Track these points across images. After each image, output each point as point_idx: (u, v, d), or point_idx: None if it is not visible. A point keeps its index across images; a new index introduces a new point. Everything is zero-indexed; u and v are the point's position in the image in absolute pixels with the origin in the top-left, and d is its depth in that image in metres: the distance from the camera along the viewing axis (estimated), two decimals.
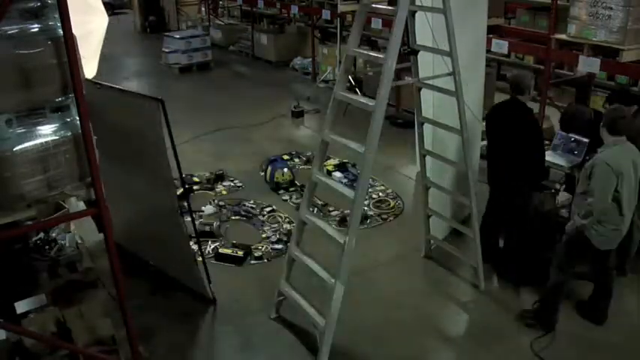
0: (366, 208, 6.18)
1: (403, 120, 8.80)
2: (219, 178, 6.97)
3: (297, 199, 6.41)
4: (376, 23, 8.85)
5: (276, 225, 5.97)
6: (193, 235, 4.69)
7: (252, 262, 5.35)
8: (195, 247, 4.82)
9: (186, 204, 4.63)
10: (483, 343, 4.40)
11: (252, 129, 8.77)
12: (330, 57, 11.10)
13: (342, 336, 4.10)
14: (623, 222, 4.11)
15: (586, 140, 5.28)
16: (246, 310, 4.67)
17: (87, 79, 3.82)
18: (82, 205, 3.52)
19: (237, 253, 5.34)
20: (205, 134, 8.48)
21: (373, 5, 4.06)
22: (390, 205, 6.42)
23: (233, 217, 6.16)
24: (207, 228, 5.70)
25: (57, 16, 2.77)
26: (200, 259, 4.78)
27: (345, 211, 5.97)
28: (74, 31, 2.80)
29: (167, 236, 4.63)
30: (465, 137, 4.48)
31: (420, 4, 4.28)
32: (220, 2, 16.97)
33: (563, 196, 5.31)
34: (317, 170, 4.21)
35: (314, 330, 4.12)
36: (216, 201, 6.45)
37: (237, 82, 11.77)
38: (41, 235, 4.85)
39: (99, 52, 4.39)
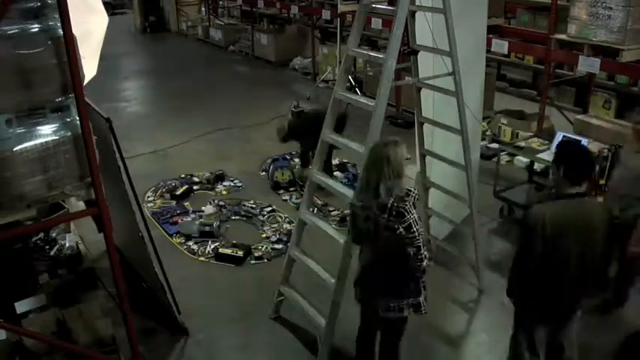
0: None
1: (403, 120, 8.80)
2: (219, 178, 6.97)
3: (297, 199, 6.41)
4: (376, 23, 8.84)
5: (276, 225, 5.97)
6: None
7: (252, 262, 5.35)
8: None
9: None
10: (483, 344, 4.41)
11: (252, 129, 8.76)
12: (330, 57, 11.10)
13: (343, 336, 4.10)
14: None
15: None
16: (246, 310, 4.67)
17: None
18: (82, 205, 3.53)
19: (237, 253, 5.34)
20: (205, 134, 8.48)
21: (373, 5, 4.06)
22: None
23: (233, 217, 6.16)
24: (207, 228, 5.70)
25: (57, 16, 2.77)
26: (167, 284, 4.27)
27: (345, 211, 5.96)
28: (74, 31, 2.80)
29: (140, 260, 4.34)
30: (465, 137, 4.48)
31: (420, 4, 4.28)
32: (220, 2, 16.96)
33: None
34: (317, 170, 4.21)
35: (314, 330, 4.12)
36: (216, 201, 6.45)
37: (237, 82, 11.77)
38: (41, 235, 4.85)
39: (99, 52, 4.37)
